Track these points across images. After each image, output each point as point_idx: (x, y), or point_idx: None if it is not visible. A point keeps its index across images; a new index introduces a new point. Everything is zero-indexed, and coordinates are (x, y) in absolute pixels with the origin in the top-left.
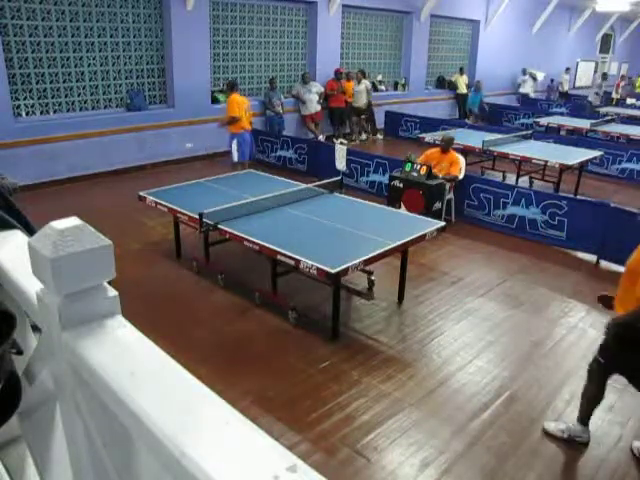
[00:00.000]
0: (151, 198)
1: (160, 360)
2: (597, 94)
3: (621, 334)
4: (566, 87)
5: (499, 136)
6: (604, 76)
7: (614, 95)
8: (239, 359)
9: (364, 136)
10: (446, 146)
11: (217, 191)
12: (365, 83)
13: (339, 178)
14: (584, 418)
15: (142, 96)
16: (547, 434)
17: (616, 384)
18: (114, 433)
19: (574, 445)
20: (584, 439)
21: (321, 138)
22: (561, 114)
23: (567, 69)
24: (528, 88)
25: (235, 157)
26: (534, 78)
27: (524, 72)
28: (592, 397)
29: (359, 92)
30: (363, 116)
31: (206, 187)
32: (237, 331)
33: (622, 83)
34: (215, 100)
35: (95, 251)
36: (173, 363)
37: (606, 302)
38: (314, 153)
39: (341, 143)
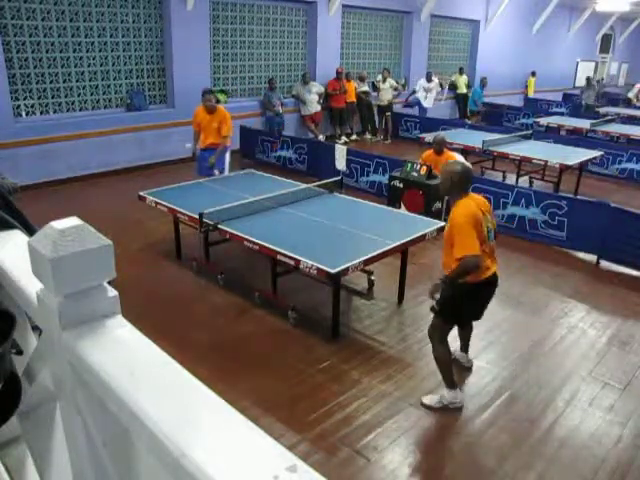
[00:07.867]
0: (151, 198)
1: (160, 360)
2: (588, 89)
3: (450, 293)
4: None
5: (499, 136)
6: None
7: (632, 97)
8: (239, 359)
9: (368, 136)
10: (439, 147)
11: (217, 191)
12: (390, 82)
13: (339, 178)
14: (450, 382)
15: (142, 96)
16: (425, 407)
17: (616, 384)
18: (114, 433)
19: (574, 445)
20: (458, 403)
21: (321, 138)
22: (561, 114)
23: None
24: (430, 101)
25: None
26: (441, 86)
27: (429, 78)
28: (444, 357)
29: (384, 90)
30: (388, 113)
31: (206, 187)
32: (237, 331)
33: None
34: (215, 100)
35: (95, 251)
36: (173, 363)
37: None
38: (314, 153)
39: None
